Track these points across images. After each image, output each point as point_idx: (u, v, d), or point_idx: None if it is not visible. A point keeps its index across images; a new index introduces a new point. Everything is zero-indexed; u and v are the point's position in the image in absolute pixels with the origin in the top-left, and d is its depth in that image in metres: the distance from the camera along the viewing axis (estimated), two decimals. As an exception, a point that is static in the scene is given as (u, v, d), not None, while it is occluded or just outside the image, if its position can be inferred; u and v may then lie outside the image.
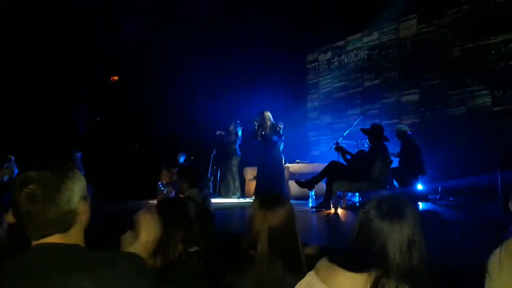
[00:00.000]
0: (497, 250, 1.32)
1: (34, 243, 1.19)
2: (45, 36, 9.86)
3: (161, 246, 2.13)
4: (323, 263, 1.45)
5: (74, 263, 1.13)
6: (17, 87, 9.78)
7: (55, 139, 9.66)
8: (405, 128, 7.06)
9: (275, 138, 7.65)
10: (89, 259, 1.16)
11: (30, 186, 1.16)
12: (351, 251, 1.46)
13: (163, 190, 8.56)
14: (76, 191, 1.21)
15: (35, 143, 8.65)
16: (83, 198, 1.24)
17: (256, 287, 1.95)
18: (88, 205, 1.27)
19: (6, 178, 4.83)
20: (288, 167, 8.19)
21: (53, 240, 1.18)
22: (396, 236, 1.37)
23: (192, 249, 2.20)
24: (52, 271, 1.10)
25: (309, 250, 2.40)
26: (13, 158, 4.92)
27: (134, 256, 1.24)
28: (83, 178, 1.26)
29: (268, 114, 7.75)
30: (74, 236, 1.22)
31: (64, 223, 1.19)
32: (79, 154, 7.64)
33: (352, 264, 1.38)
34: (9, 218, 1.98)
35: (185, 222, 2.24)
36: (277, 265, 1.91)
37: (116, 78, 11.01)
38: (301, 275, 1.96)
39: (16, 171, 5.10)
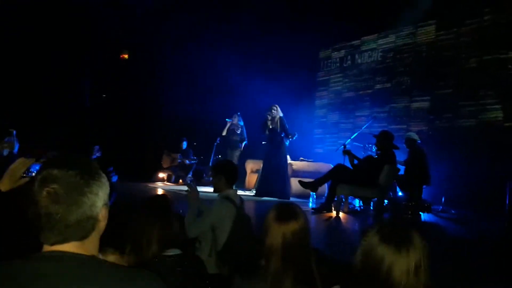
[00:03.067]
0: None
1: (46, 249, 1.10)
2: (56, 10, 9.72)
3: (134, 244, 2.06)
4: None
5: (92, 277, 1.05)
6: (24, 60, 9.65)
7: (60, 113, 9.57)
8: (415, 136, 6.94)
9: (283, 134, 7.57)
10: (108, 275, 1.07)
11: (53, 186, 1.06)
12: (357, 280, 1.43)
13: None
14: (100, 196, 1.13)
15: (39, 118, 8.56)
16: (105, 204, 1.16)
17: None
18: (108, 210, 1.19)
19: (6, 152, 4.72)
20: (291, 164, 8.10)
21: (68, 248, 1.09)
22: (402, 263, 1.34)
23: (170, 252, 2.11)
24: (68, 284, 1.02)
25: None
26: (14, 132, 4.80)
27: (153, 276, 1.15)
28: (108, 184, 1.17)
29: (278, 107, 7.66)
30: (91, 245, 1.14)
31: (84, 230, 1.11)
32: (96, 147, 7.56)
33: None
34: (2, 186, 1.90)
35: (163, 222, 2.14)
36: (288, 281, 1.83)
37: (126, 56, 10.85)
38: None
39: (17, 145, 5.00)
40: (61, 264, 1.05)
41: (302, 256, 1.90)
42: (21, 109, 8.96)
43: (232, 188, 3.42)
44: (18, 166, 1.96)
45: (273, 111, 7.63)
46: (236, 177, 3.47)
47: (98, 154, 7.69)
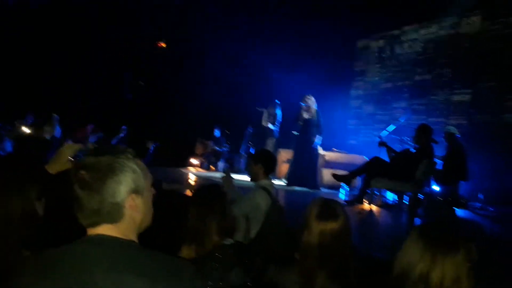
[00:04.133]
0: None
1: (89, 232, 1.14)
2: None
3: (197, 236, 2.07)
4: None
5: (133, 262, 1.06)
6: (64, 49, 9.92)
7: (100, 101, 9.81)
8: (454, 130, 6.72)
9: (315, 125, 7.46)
10: (149, 261, 1.08)
11: (82, 171, 1.11)
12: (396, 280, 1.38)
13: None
14: (124, 184, 1.13)
15: (80, 104, 8.82)
16: (135, 192, 1.15)
17: None
18: (144, 201, 1.17)
19: (48, 137, 4.86)
20: (324, 155, 8.00)
21: (107, 231, 1.12)
22: (439, 270, 1.30)
23: (227, 242, 2.11)
24: (110, 266, 1.04)
25: None
26: (56, 117, 4.93)
27: (195, 269, 1.15)
28: (139, 171, 1.17)
29: (313, 98, 7.55)
30: (126, 230, 1.14)
31: (110, 215, 1.12)
32: (123, 127, 7.70)
33: None
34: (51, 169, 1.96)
35: (222, 212, 2.15)
36: (322, 279, 1.80)
37: (164, 44, 10.94)
38: None
39: (59, 130, 5.13)
40: (100, 247, 1.08)
41: (339, 256, 1.85)
42: (63, 95, 9.23)
43: (269, 178, 3.39)
44: (66, 149, 2.03)
45: (308, 101, 7.54)
46: (274, 167, 3.46)
47: (122, 134, 7.83)
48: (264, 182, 3.33)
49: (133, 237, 1.16)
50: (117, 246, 1.10)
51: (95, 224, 1.12)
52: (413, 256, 1.35)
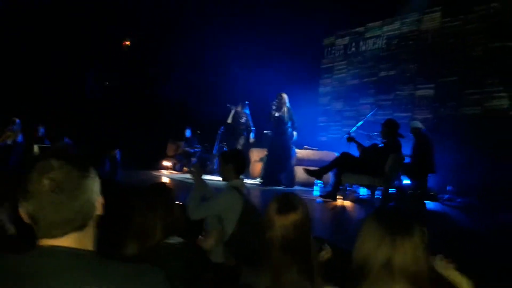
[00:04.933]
0: None
1: (43, 243, 1.05)
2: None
3: (140, 233, 2.10)
4: None
5: (92, 274, 1.01)
6: (27, 48, 9.59)
7: (63, 102, 9.54)
8: (419, 125, 6.90)
9: (289, 123, 7.48)
10: (108, 271, 1.04)
11: (53, 174, 1.02)
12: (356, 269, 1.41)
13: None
14: (97, 184, 1.12)
15: (43, 107, 8.53)
16: (100, 194, 1.14)
17: None
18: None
19: (9, 141, 4.69)
20: (295, 152, 8.06)
21: (64, 242, 1.05)
22: (400, 252, 1.32)
23: (173, 240, 2.11)
24: (67, 281, 0.98)
25: (326, 255, 2.30)
26: (18, 121, 4.73)
27: (158, 271, 1.12)
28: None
29: (285, 96, 7.56)
30: (87, 237, 1.10)
31: (85, 216, 1.08)
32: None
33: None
34: None
35: (166, 210, 2.16)
36: (292, 271, 1.81)
37: (128, 43, 10.76)
38: (313, 281, 1.87)
39: (20, 135, 4.97)
40: (56, 259, 1.02)
41: (303, 248, 1.86)
42: (24, 98, 8.92)
43: (239, 178, 3.39)
44: None
45: (277, 99, 7.57)
46: (245, 166, 3.45)
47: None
48: (235, 182, 3.32)
49: (92, 242, 1.12)
50: (78, 257, 1.04)
51: (63, 231, 1.04)
52: (372, 243, 1.35)
